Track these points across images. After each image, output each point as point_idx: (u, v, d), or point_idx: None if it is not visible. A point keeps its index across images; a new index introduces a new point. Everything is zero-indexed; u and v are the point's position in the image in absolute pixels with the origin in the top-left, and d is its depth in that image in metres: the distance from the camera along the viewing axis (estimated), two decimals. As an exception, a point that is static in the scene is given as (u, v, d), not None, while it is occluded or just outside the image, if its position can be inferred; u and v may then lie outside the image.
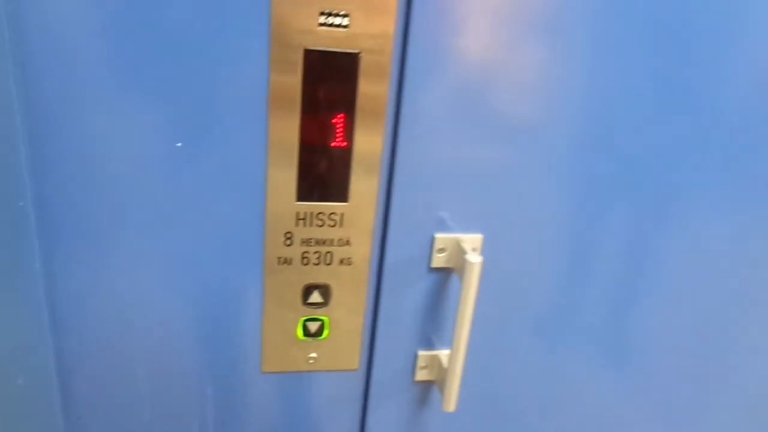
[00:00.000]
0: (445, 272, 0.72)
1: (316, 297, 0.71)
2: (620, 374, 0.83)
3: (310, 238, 0.68)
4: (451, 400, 0.73)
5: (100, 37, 0.57)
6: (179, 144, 0.62)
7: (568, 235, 0.74)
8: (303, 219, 0.67)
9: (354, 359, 0.76)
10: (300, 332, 0.73)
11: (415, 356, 0.77)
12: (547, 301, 0.77)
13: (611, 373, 0.83)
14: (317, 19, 0.59)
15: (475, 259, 0.66)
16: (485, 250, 0.72)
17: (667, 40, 0.66)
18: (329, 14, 0.59)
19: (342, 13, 0.59)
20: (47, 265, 0.64)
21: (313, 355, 0.75)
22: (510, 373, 0.80)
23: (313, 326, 0.73)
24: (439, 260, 0.71)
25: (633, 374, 0.84)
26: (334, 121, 0.63)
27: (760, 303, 0.83)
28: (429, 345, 0.76)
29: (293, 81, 0.61)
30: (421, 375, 0.78)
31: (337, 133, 0.64)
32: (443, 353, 0.76)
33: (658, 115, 0.69)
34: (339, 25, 0.60)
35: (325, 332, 0.73)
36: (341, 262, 0.70)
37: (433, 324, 0.75)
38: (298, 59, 0.60)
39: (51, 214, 0.62)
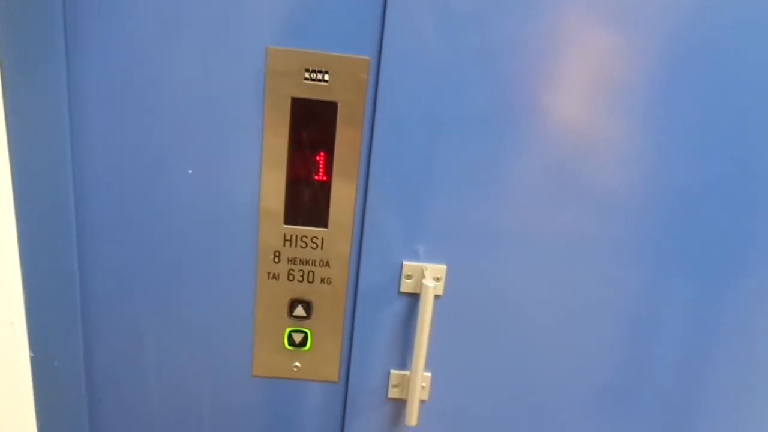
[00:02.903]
0: (412, 297, 0.81)
1: (300, 311, 0.82)
2: (589, 399, 0.87)
3: (295, 258, 0.80)
4: (412, 416, 0.81)
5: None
6: (190, 171, 0.76)
7: (529, 267, 0.81)
8: (289, 240, 0.79)
9: (333, 372, 0.85)
10: (286, 342, 0.84)
11: (388, 375, 0.85)
12: (513, 327, 0.83)
13: (579, 397, 0.87)
14: (303, 75, 0.73)
15: (430, 283, 0.75)
16: (450, 279, 0.80)
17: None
18: (313, 71, 0.73)
19: (323, 70, 0.73)
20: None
21: (297, 364, 0.85)
22: (479, 395, 0.86)
23: (298, 337, 0.83)
24: (406, 285, 0.80)
25: (599, 398, 0.87)
26: (316, 158, 0.76)
27: None
28: (400, 365, 0.85)
29: (283, 124, 0.74)
30: (393, 393, 0.85)
31: (319, 168, 0.76)
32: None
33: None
34: (321, 80, 0.73)
35: (308, 344, 0.84)
36: (322, 281, 0.81)
37: (403, 345, 0.83)
38: (287, 106, 0.74)
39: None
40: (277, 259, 0.80)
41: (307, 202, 0.78)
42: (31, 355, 0.81)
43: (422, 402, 0.85)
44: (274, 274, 0.80)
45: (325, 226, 0.79)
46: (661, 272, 0.82)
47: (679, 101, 0.75)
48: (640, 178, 0.78)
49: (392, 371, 0.85)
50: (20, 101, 0.72)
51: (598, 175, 0.78)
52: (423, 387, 0.83)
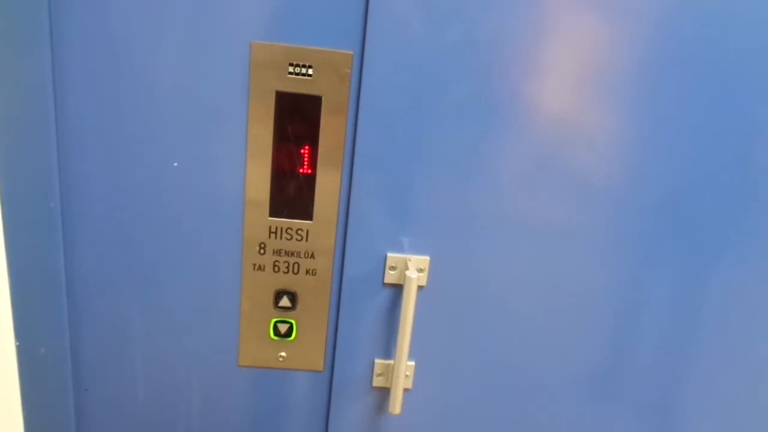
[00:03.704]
0: (396, 288, 0.82)
1: (285, 302, 0.83)
2: (574, 386, 0.89)
3: (281, 249, 0.81)
4: (396, 404, 0.82)
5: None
6: (175, 164, 0.76)
7: (512, 257, 0.82)
8: (274, 232, 0.80)
9: (319, 361, 0.87)
10: (271, 332, 0.85)
11: (373, 364, 0.86)
12: (497, 317, 0.85)
13: (563, 384, 0.89)
14: (287, 69, 0.73)
15: (413, 274, 0.77)
16: (433, 270, 0.82)
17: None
18: (297, 65, 0.73)
19: (307, 64, 0.73)
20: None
21: (283, 354, 0.86)
22: (462, 384, 0.88)
23: (283, 328, 0.85)
24: (390, 276, 0.81)
25: (584, 386, 0.90)
26: (301, 151, 0.77)
27: None
28: (385, 354, 0.86)
29: (267, 117, 0.75)
30: (378, 382, 0.87)
31: (304, 161, 0.77)
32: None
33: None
34: (305, 74, 0.74)
35: (294, 334, 0.85)
36: (307, 272, 0.82)
37: (387, 335, 0.85)
38: (271, 100, 0.74)
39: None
40: (262, 251, 0.81)
41: (292, 194, 0.79)
42: (17, 343, 0.82)
43: (406, 390, 0.86)
44: (259, 266, 0.81)
45: (310, 218, 0.80)
46: (647, 261, 0.83)
47: (665, 92, 0.76)
48: (626, 168, 0.79)
49: (376, 360, 0.86)
50: (5, 95, 0.72)
51: (582, 166, 0.79)
52: (407, 376, 0.85)
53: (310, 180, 0.78)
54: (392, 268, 0.81)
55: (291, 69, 0.73)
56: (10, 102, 0.72)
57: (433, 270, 0.82)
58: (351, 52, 0.73)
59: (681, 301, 0.86)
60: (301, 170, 0.77)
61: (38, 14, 0.70)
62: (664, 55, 0.75)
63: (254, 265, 0.81)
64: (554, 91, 0.76)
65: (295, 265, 0.82)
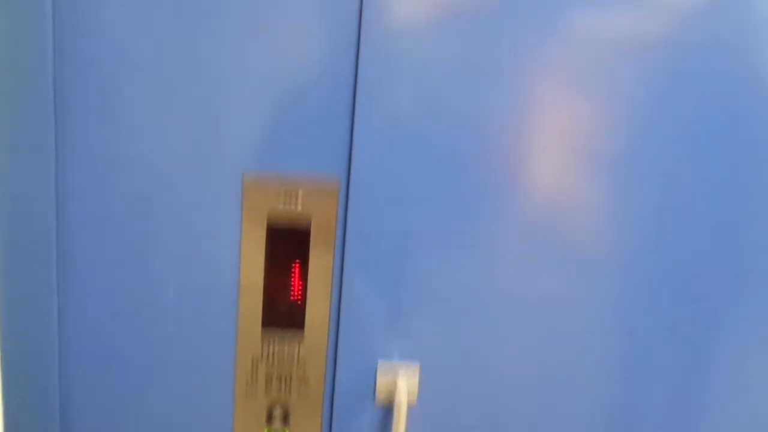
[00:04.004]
0: (388, 401, 0.82)
1: (278, 417, 0.84)
2: None
3: (273, 366, 0.82)
4: None
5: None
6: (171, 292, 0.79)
7: (505, 362, 0.83)
8: (266, 349, 0.81)
9: (312, 481, 0.86)
10: (265, 450, 0.85)
11: (367, 477, 0.86)
12: (493, 422, 0.84)
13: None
14: (277, 196, 0.77)
15: (402, 395, 0.78)
16: (425, 381, 0.82)
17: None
18: (287, 195, 0.77)
19: (296, 193, 0.77)
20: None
21: (276, 473, 0.85)
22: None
23: (276, 445, 0.85)
24: (381, 393, 0.82)
25: None
26: (291, 273, 0.79)
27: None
28: (380, 466, 0.85)
29: (259, 238, 0.78)
30: (373, 495, 0.86)
31: (294, 282, 0.80)
32: (390, 479, 0.84)
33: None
34: (294, 203, 0.77)
35: (287, 451, 0.85)
36: (299, 390, 0.83)
37: (381, 448, 0.85)
38: (263, 222, 0.78)
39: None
40: (255, 367, 0.82)
41: (283, 316, 0.81)
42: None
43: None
44: (251, 385, 0.82)
45: (302, 338, 0.81)
46: (653, 337, 0.83)
47: (661, 166, 0.77)
48: (627, 244, 0.80)
49: (372, 472, 0.85)
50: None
51: (581, 246, 0.80)
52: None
53: (301, 301, 0.80)
54: (383, 383, 0.82)
55: (281, 196, 0.77)
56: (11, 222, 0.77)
57: (425, 379, 0.82)
58: (337, 178, 0.77)
59: (690, 379, 0.84)
60: (292, 290, 0.80)
61: (45, 133, 0.75)
62: (659, 133, 0.76)
63: (247, 383, 0.82)
64: (548, 175, 0.79)
65: (287, 384, 0.83)
